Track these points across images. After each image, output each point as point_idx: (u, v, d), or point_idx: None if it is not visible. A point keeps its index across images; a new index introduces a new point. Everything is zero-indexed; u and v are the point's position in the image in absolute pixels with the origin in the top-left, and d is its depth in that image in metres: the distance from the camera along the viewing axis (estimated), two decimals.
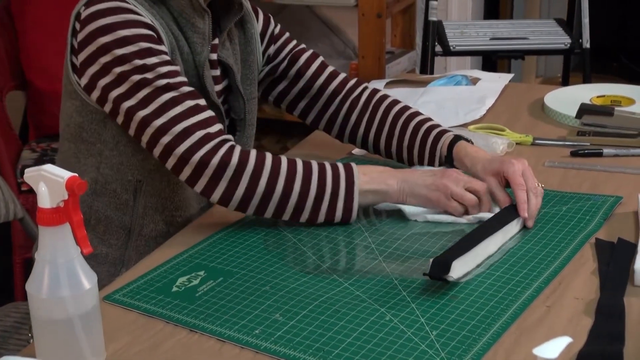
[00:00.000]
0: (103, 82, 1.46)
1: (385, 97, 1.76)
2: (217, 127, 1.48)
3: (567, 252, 1.41)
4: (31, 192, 2.74)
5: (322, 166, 1.50)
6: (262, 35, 1.73)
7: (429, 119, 1.71)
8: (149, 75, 1.43)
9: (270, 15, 1.77)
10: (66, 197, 1.06)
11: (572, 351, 1.12)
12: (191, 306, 1.29)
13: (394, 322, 1.22)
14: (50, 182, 1.07)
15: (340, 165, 1.51)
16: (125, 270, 1.53)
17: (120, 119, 1.48)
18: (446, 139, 1.64)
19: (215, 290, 1.33)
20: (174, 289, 1.34)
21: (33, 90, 3.08)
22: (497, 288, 1.30)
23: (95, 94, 1.48)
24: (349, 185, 1.48)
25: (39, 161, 2.87)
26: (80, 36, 1.46)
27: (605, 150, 1.79)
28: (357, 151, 1.86)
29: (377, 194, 1.51)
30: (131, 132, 1.48)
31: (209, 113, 1.48)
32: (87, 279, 1.11)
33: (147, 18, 1.47)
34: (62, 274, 1.09)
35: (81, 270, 1.10)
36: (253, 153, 1.47)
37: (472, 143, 1.64)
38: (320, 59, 1.79)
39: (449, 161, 1.63)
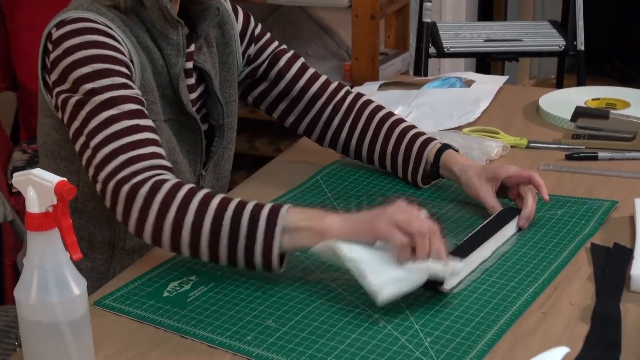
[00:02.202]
0: (64, 103, 1.43)
1: (369, 101, 1.73)
2: (150, 149, 1.39)
3: (563, 257, 1.39)
4: (22, 194, 2.72)
5: (241, 203, 1.33)
6: (242, 35, 1.70)
7: (414, 126, 1.69)
8: (95, 98, 1.39)
9: (250, 14, 1.73)
10: (55, 202, 1.04)
11: (568, 358, 1.11)
12: (182, 312, 1.27)
13: (388, 328, 1.21)
14: (39, 186, 1.05)
15: (268, 204, 1.33)
16: None
17: (74, 141, 1.44)
18: (433, 147, 1.62)
19: (206, 295, 1.31)
20: (165, 294, 1.32)
21: (24, 92, 3.06)
22: (492, 294, 1.29)
23: (60, 114, 1.45)
24: (270, 220, 1.30)
25: (30, 162, 2.85)
26: (52, 57, 1.44)
27: (601, 154, 1.78)
28: None
29: (312, 231, 1.29)
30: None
31: (145, 135, 1.40)
32: (77, 285, 1.09)
33: (116, 37, 1.44)
34: (51, 280, 1.07)
35: (70, 275, 1.09)
36: (168, 184, 1.34)
37: (459, 152, 1.63)
38: (301, 60, 1.75)
39: (434, 169, 1.61)
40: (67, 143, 1.51)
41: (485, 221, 1.47)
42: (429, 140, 1.64)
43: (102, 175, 1.37)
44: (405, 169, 1.66)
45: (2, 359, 1.71)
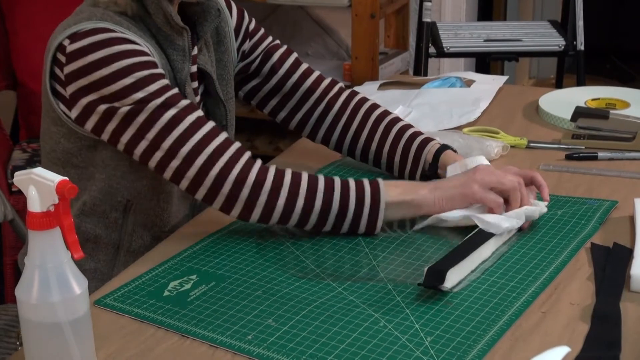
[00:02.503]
0: (96, 116, 1.43)
1: (364, 99, 1.73)
2: (223, 136, 1.45)
3: (563, 257, 1.39)
4: (22, 193, 2.71)
5: (345, 182, 1.46)
6: (237, 31, 1.69)
7: (411, 126, 1.69)
8: (150, 104, 1.40)
9: (243, 9, 1.73)
10: (57, 201, 1.04)
11: (568, 358, 1.11)
12: (183, 311, 1.27)
13: (389, 327, 1.21)
14: (40, 185, 1.05)
15: (365, 181, 1.46)
16: None
17: (121, 149, 1.45)
18: (432, 146, 1.63)
19: (207, 294, 1.31)
20: (166, 293, 1.32)
21: (24, 91, 3.07)
22: (492, 293, 1.29)
23: (89, 124, 1.44)
24: (374, 201, 1.45)
25: (30, 162, 2.85)
26: (69, 69, 1.41)
27: (601, 154, 1.78)
28: None
29: (410, 205, 1.46)
30: (137, 159, 1.45)
31: (211, 124, 1.44)
32: (78, 284, 1.09)
33: (140, 43, 1.44)
34: (52, 279, 1.07)
35: (72, 275, 1.09)
36: (272, 169, 1.44)
37: (456, 152, 1.63)
38: (295, 55, 1.74)
39: (433, 169, 1.61)
40: (81, 150, 1.50)
41: (535, 209, 1.48)
42: (428, 140, 1.64)
43: (192, 172, 1.42)
44: (403, 168, 1.66)
45: (3, 358, 1.71)
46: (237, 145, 1.45)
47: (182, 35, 1.51)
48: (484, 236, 1.40)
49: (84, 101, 1.42)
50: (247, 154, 1.45)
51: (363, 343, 1.18)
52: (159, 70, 1.44)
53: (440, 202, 1.45)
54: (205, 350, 1.19)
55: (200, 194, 1.44)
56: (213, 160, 1.42)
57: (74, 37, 1.42)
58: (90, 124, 1.44)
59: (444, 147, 1.62)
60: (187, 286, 1.34)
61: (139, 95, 1.40)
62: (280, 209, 1.43)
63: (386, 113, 1.71)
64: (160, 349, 1.20)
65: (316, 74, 1.74)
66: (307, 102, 1.73)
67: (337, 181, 1.45)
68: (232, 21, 1.68)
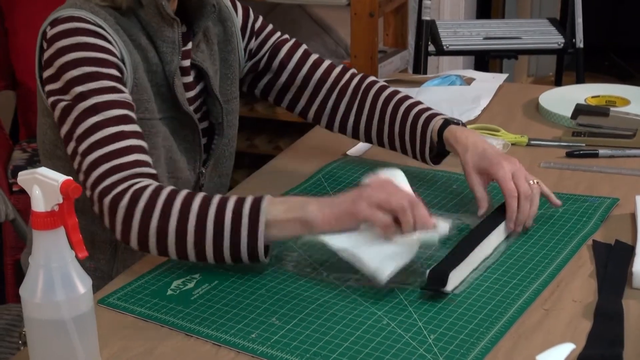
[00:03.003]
0: (54, 105, 1.44)
1: (374, 82, 1.70)
2: (133, 157, 1.39)
3: (565, 254, 1.40)
4: (23, 193, 2.71)
5: (222, 200, 1.34)
6: (243, 30, 1.69)
7: (419, 102, 1.65)
8: (81, 104, 1.40)
9: (249, 7, 1.72)
10: (61, 200, 1.05)
11: (571, 355, 1.11)
12: (186, 310, 1.27)
13: (392, 325, 1.21)
14: (44, 185, 1.05)
15: (248, 198, 1.34)
16: None
17: (65, 144, 1.45)
18: (436, 123, 1.58)
19: (210, 293, 1.31)
20: (169, 292, 1.32)
21: (23, 90, 3.07)
22: (495, 291, 1.29)
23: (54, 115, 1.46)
24: (252, 218, 1.32)
25: (30, 161, 2.85)
26: (46, 55, 1.44)
27: (601, 151, 1.79)
28: (352, 152, 1.84)
29: (297, 222, 1.31)
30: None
31: (129, 142, 1.40)
32: (82, 283, 1.09)
33: (107, 37, 1.44)
34: (57, 278, 1.07)
35: (76, 274, 1.09)
36: (147, 190, 1.35)
37: (465, 126, 1.58)
38: (303, 48, 1.73)
39: (440, 147, 1.57)
40: (62, 142, 1.51)
41: (484, 218, 1.47)
42: (432, 116, 1.60)
43: (89, 182, 1.39)
44: (413, 148, 1.62)
45: (6, 357, 1.71)
46: (139, 169, 1.39)
47: (172, 26, 1.51)
48: (482, 233, 1.40)
49: (48, 88, 1.45)
50: (139, 179, 1.38)
51: (366, 341, 1.18)
52: (110, 71, 1.43)
53: (328, 220, 1.30)
54: (209, 348, 1.19)
55: (95, 209, 1.40)
56: (103, 178, 1.37)
57: (53, 23, 1.45)
58: (54, 115, 1.46)
59: (446, 123, 1.57)
60: (190, 285, 1.34)
61: (79, 89, 1.41)
62: (154, 232, 1.34)
63: (395, 93, 1.67)
64: (164, 347, 1.20)
65: (326, 63, 1.73)
66: (320, 93, 1.71)
67: (215, 199, 1.35)
68: (238, 20, 1.68)
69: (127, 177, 1.38)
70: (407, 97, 1.67)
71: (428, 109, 1.63)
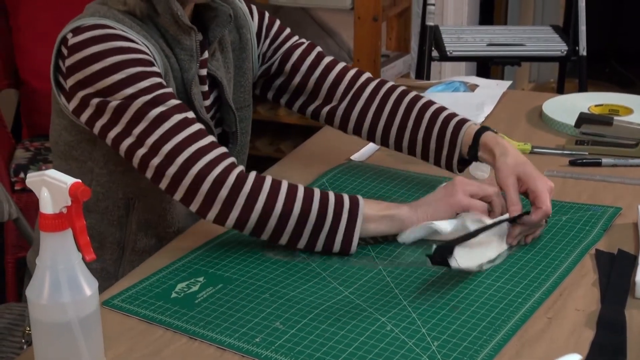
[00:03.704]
0: (90, 110, 1.44)
1: (395, 86, 1.69)
2: (209, 139, 1.43)
3: (568, 263, 1.40)
4: (25, 192, 2.73)
5: (324, 193, 1.43)
6: (258, 35, 1.69)
7: (445, 108, 1.64)
8: (138, 100, 1.40)
9: (265, 12, 1.72)
10: (69, 203, 1.05)
11: None
12: (191, 313, 1.28)
13: (396, 331, 1.22)
14: (53, 187, 1.06)
15: (345, 195, 1.44)
16: None
17: (109, 144, 1.45)
18: (469, 127, 1.58)
19: (214, 297, 1.32)
20: (173, 295, 1.33)
21: (27, 89, 3.07)
22: (498, 299, 1.30)
23: (84, 118, 1.45)
24: (352, 212, 1.42)
25: (33, 160, 2.86)
26: (69, 62, 1.43)
27: (604, 160, 1.79)
28: (356, 156, 1.85)
29: (392, 219, 1.44)
30: (123, 155, 1.45)
31: (198, 126, 1.43)
32: (88, 285, 1.10)
33: (138, 41, 1.45)
34: (63, 280, 1.08)
35: (82, 276, 1.10)
36: (252, 174, 1.42)
37: (497, 133, 1.59)
38: (317, 50, 1.73)
39: (473, 151, 1.56)
40: (80, 144, 1.52)
41: (495, 219, 1.46)
42: (464, 121, 1.60)
43: (172, 170, 1.40)
44: (439, 153, 1.62)
45: (9, 356, 1.72)
46: (222, 149, 1.43)
47: (190, 35, 1.51)
48: (490, 225, 1.42)
49: (80, 94, 1.44)
50: (231, 159, 1.43)
51: (370, 347, 1.19)
52: (153, 69, 1.44)
53: (424, 216, 1.43)
54: (213, 352, 1.20)
55: (179, 194, 1.42)
56: (194, 159, 1.40)
57: (76, 31, 1.44)
58: (84, 117, 1.45)
59: (484, 129, 1.57)
60: (195, 288, 1.34)
61: (129, 91, 1.41)
62: (258, 213, 1.40)
63: (418, 97, 1.67)
64: (168, 350, 1.20)
65: (340, 65, 1.72)
66: (335, 95, 1.70)
67: (317, 191, 1.43)
68: (255, 26, 1.68)
69: (219, 157, 1.41)
70: (431, 102, 1.66)
71: (456, 114, 1.63)
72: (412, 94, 1.68)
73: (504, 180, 1.49)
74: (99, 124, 1.44)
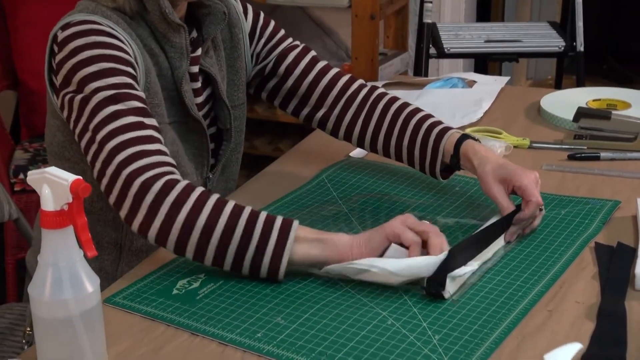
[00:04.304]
0: (67, 107, 1.44)
1: (383, 94, 1.70)
2: (155, 146, 1.39)
3: (567, 256, 1.41)
4: (24, 192, 2.73)
5: (254, 211, 1.34)
6: (252, 35, 1.69)
7: (430, 116, 1.65)
8: (100, 93, 1.39)
9: (260, 12, 1.72)
10: (70, 200, 1.05)
11: (576, 355, 1.12)
12: (192, 309, 1.28)
13: (397, 326, 1.22)
14: (54, 184, 1.06)
15: (279, 216, 1.35)
16: None
17: (77, 141, 1.44)
18: (450, 136, 1.58)
19: (216, 293, 1.32)
20: (175, 291, 1.33)
21: (25, 90, 3.07)
22: (499, 292, 1.30)
23: (65, 116, 1.45)
24: (282, 231, 1.32)
25: (32, 161, 2.86)
26: (57, 58, 1.44)
27: (603, 154, 1.80)
28: (355, 153, 1.85)
29: (325, 244, 1.33)
30: (83, 152, 1.43)
31: (151, 132, 1.39)
32: (90, 282, 1.10)
33: (122, 39, 1.45)
34: (65, 277, 1.08)
35: (84, 273, 1.10)
36: (182, 183, 1.35)
37: (479, 141, 1.59)
38: (311, 54, 1.73)
39: (454, 160, 1.56)
40: (72, 144, 1.51)
41: (488, 223, 1.48)
42: (446, 129, 1.60)
43: (110, 169, 1.36)
44: (423, 161, 1.62)
45: (10, 356, 1.72)
46: (163, 157, 1.38)
47: (180, 32, 1.51)
48: (489, 236, 1.41)
49: (62, 91, 1.45)
50: (169, 168, 1.37)
51: (371, 341, 1.19)
52: (127, 69, 1.43)
53: (357, 244, 1.33)
54: (215, 347, 1.20)
55: (112, 197, 1.37)
56: (130, 161, 1.35)
57: (65, 27, 1.45)
58: (65, 116, 1.46)
59: (464, 137, 1.57)
60: (196, 284, 1.35)
61: (95, 84, 1.40)
62: (180, 224, 1.32)
63: (405, 105, 1.67)
64: (170, 346, 1.21)
65: (334, 71, 1.72)
66: (327, 101, 1.71)
67: (247, 208, 1.34)
68: (247, 25, 1.68)
69: (156, 164, 1.36)
70: (418, 110, 1.66)
71: (440, 122, 1.63)
72: (400, 101, 1.68)
73: (489, 190, 1.50)
74: (71, 121, 1.43)
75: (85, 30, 1.43)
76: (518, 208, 1.47)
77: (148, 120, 1.41)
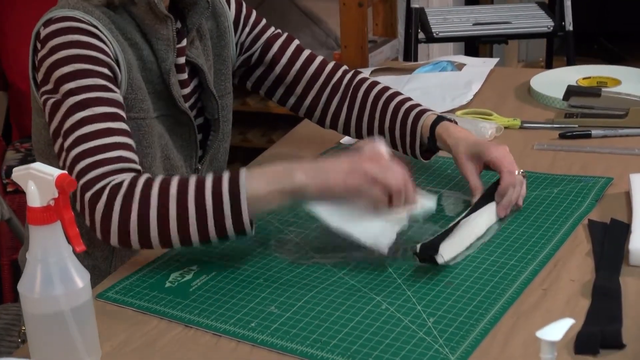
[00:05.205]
0: (45, 104, 1.42)
1: (364, 79, 1.71)
2: (116, 153, 1.37)
3: (561, 234, 1.40)
4: (17, 193, 2.72)
5: (200, 181, 1.32)
6: (236, 24, 1.69)
7: (409, 99, 1.66)
8: (70, 99, 1.38)
9: (242, 2, 1.72)
10: (56, 195, 1.05)
11: (570, 332, 1.12)
12: (185, 301, 1.27)
13: (391, 310, 1.22)
14: (39, 180, 1.05)
15: (225, 176, 1.32)
16: None
17: (53, 142, 1.43)
18: (426, 118, 1.59)
19: (208, 284, 1.31)
20: (167, 284, 1.33)
21: (15, 91, 3.07)
22: (493, 272, 1.30)
23: (45, 115, 1.44)
24: (233, 196, 1.30)
25: (24, 161, 2.85)
26: (39, 55, 1.43)
27: (594, 132, 1.79)
28: (345, 140, 1.84)
29: (283, 194, 1.31)
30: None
31: (115, 139, 1.38)
32: (80, 277, 1.10)
33: (101, 36, 1.43)
34: (55, 273, 1.08)
35: (73, 268, 1.09)
36: (125, 183, 1.33)
37: (457, 123, 1.59)
38: (296, 43, 1.73)
39: (432, 142, 1.57)
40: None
41: (475, 199, 1.48)
42: (422, 112, 1.61)
43: (73, 176, 1.35)
44: (404, 143, 1.63)
45: (4, 356, 1.71)
46: (123, 164, 1.36)
47: (166, 23, 1.50)
48: (474, 209, 1.42)
49: (42, 89, 1.44)
50: (123, 175, 1.35)
51: (366, 326, 1.18)
52: (102, 70, 1.41)
53: (319, 190, 1.30)
54: (209, 339, 1.20)
55: (78, 205, 1.36)
56: (86, 171, 1.35)
57: (46, 23, 1.44)
58: (45, 115, 1.44)
59: (439, 119, 1.58)
60: (188, 277, 1.34)
61: (69, 85, 1.39)
62: (135, 222, 1.32)
63: (385, 89, 1.68)
64: (164, 339, 1.20)
65: (319, 59, 1.73)
66: (313, 89, 1.72)
67: (192, 179, 1.33)
68: (231, 14, 1.67)
69: (107, 173, 1.35)
70: (397, 94, 1.68)
71: (418, 105, 1.64)
72: (380, 86, 1.69)
73: (462, 170, 1.52)
74: (46, 119, 1.43)
75: (64, 27, 1.42)
76: (498, 182, 1.47)
77: (116, 125, 1.39)
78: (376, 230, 1.32)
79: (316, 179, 1.30)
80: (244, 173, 1.31)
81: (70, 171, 1.36)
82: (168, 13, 1.49)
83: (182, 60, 1.56)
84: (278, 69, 1.71)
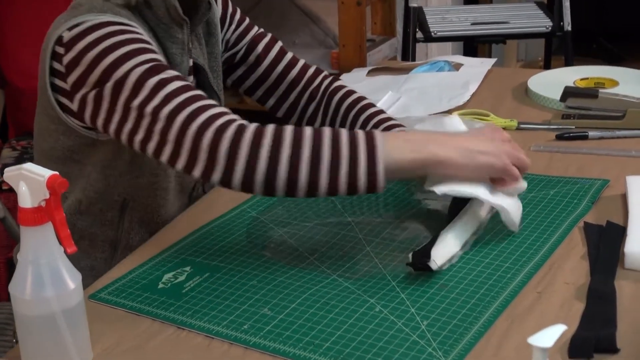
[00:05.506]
0: (90, 106, 1.37)
1: (340, 87, 1.70)
2: (210, 101, 1.33)
3: (556, 237, 1.40)
4: (12, 192, 2.71)
5: (335, 131, 1.29)
6: (222, 21, 1.68)
7: (381, 112, 1.63)
8: (135, 70, 1.32)
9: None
10: (48, 196, 1.04)
11: (565, 336, 1.11)
12: (178, 303, 1.27)
13: (384, 313, 1.21)
14: (30, 181, 1.05)
15: (361, 137, 1.29)
16: None
17: (113, 130, 1.36)
18: (384, 127, 1.58)
19: (202, 286, 1.31)
20: (160, 285, 1.32)
21: (12, 89, 3.06)
22: (487, 275, 1.29)
23: (87, 115, 1.38)
24: (370, 150, 1.27)
25: (20, 159, 2.85)
26: (67, 59, 1.36)
27: (591, 133, 1.78)
28: None
29: (430, 164, 1.31)
30: (125, 139, 1.36)
31: (200, 92, 1.34)
32: (72, 279, 1.09)
33: (140, 31, 1.39)
34: (46, 274, 1.07)
35: (65, 269, 1.09)
36: (253, 125, 1.29)
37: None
38: (279, 44, 1.73)
39: None
40: (81, 147, 1.47)
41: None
42: (391, 127, 1.57)
43: (172, 134, 1.28)
44: None
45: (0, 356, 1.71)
46: (222, 108, 1.32)
47: (182, 27, 1.49)
48: (461, 206, 1.41)
49: (81, 92, 1.37)
50: (233, 115, 1.32)
51: (359, 329, 1.18)
52: (151, 47, 1.37)
53: (466, 167, 1.32)
54: (202, 341, 1.19)
55: (181, 161, 1.29)
56: (194, 117, 1.28)
57: (73, 27, 1.37)
58: (87, 113, 1.38)
59: (392, 128, 1.56)
60: (182, 278, 1.33)
61: (126, 67, 1.32)
62: (265, 160, 1.26)
63: (358, 100, 1.66)
64: (156, 341, 1.19)
65: (301, 63, 1.73)
66: (293, 93, 1.72)
67: (326, 131, 1.29)
68: (218, 11, 1.67)
69: (220, 113, 1.29)
70: (370, 105, 1.65)
71: (389, 118, 1.61)
72: (355, 95, 1.67)
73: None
74: (101, 116, 1.36)
75: (98, 23, 1.36)
76: None
77: (189, 83, 1.35)
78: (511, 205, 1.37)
79: (464, 157, 1.32)
80: (379, 138, 1.29)
81: (168, 127, 1.28)
82: (185, 17, 1.48)
83: (191, 62, 1.55)
84: (261, 69, 1.71)
